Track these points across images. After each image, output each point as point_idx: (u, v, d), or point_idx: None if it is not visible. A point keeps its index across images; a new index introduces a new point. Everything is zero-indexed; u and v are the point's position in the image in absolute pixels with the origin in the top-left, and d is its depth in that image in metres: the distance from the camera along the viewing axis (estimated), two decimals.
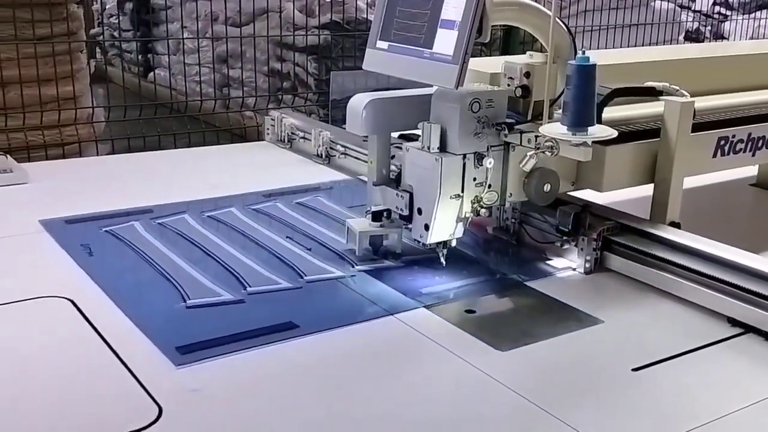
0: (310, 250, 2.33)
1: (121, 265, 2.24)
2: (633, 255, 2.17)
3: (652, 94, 2.31)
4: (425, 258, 2.22)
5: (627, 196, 2.46)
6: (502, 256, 2.37)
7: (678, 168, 2.28)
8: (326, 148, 3.23)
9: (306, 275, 2.15)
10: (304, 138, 3.39)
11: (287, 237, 2.42)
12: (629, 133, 2.31)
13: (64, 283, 2.09)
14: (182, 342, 1.78)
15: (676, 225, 2.27)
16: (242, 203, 2.71)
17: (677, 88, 2.29)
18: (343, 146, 3.17)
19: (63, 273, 2.16)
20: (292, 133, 3.47)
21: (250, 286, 2.08)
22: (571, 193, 2.34)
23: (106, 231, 2.44)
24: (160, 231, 2.45)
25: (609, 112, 2.19)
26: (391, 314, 1.95)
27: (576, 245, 2.23)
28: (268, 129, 3.59)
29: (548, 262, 2.29)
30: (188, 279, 2.11)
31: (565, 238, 2.23)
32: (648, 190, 2.35)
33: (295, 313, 1.94)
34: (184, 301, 1.99)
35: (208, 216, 2.59)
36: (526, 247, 2.37)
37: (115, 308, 1.94)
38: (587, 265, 2.21)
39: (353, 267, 2.21)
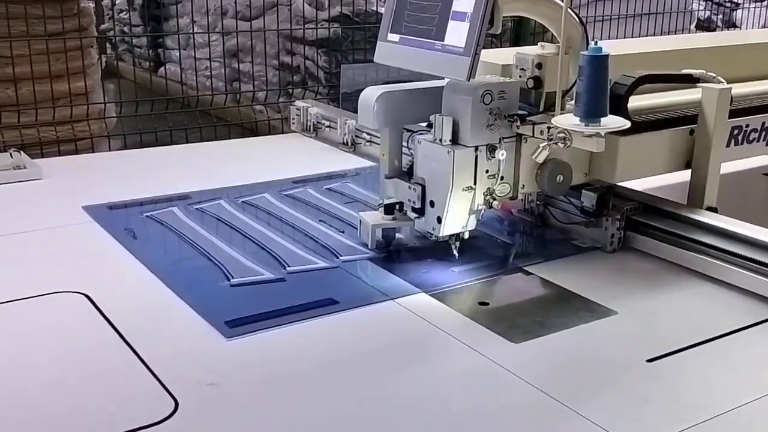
0: (343, 232, 2.39)
1: (165, 246, 2.35)
2: (657, 235, 2.23)
3: (690, 80, 2.32)
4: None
5: (664, 182, 2.51)
6: (528, 237, 2.45)
7: (715, 154, 2.31)
8: (352, 136, 3.29)
9: (341, 256, 2.21)
10: (329, 127, 3.44)
11: (320, 221, 2.49)
12: (642, 123, 2.30)
13: (107, 267, 2.18)
14: (231, 316, 1.86)
15: (713, 210, 2.29)
16: (275, 189, 2.79)
17: (714, 74, 2.31)
18: (368, 134, 3.21)
19: (107, 257, 2.24)
20: (318, 123, 3.51)
21: (289, 266, 2.15)
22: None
23: (147, 216, 2.52)
24: (198, 215, 2.53)
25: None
26: (424, 291, 2.03)
27: (600, 225, 2.27)
28: (293, 118, 3.64)
29: (573, 242, 2.34)
30: (229, 259, 2.19)
31: (589, 218, 2.26)
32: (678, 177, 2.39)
33: (335, 290, 2.02)
34: (228, 280, 2.06)
35: (243, 201, 2.67)
36: (550, 228, 2.43)
37: (163, 288, 2.02)
38: (611, 245, 2.26)
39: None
